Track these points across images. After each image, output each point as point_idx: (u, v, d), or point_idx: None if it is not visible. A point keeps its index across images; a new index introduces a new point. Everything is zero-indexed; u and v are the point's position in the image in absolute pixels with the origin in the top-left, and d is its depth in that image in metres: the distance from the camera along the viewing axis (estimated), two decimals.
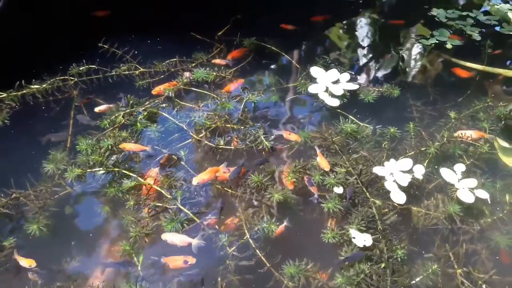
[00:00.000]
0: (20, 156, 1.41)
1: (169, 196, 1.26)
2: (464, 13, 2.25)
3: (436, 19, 2.20)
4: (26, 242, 1.20)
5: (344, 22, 2.20)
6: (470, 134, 1.54)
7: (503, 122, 1.63)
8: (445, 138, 1.52)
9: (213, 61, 1.76)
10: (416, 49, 2.03)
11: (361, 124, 1.57)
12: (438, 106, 1.72)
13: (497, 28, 2.17)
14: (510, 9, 2.32)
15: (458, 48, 2.03)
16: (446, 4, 2.35)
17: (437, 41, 2.05)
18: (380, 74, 1.89)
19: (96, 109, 1.50)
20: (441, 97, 1.76)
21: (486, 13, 2.29)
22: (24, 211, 1.25)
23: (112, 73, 1.66)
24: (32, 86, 1.56)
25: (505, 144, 1.57)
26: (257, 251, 1.19)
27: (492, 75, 1.90)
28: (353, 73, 1.79)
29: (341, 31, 2.14)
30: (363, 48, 2.05)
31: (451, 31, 2.10)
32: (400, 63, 1.95)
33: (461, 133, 1.53)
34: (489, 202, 1.35)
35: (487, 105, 1.70)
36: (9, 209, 1.23)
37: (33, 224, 1.20)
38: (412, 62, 1.97)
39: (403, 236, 1.28)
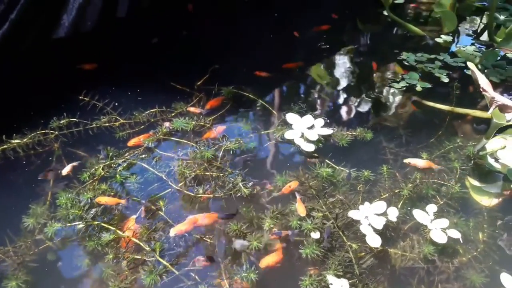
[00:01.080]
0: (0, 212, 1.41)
1: (147, 248, 1.28)
2: (432, 56, 2.36)
3: (406, 63, 2.30)
4: None
5: (317, 68, 2.29)
6: (417, 162, 1.63)
7: (472, 162, 1.69)
8: (417, 180, 1.58)
9: (188, 109, 1.81)
10: (387, 92, 2.12)
11: (337, 167, 1.62)
12: (410, 147, 1.78)
13: (465, 70, 2.28)
14: (475, 51, 2.45)
15: (428, 90, 2.12)
16: (417, 45, 2.48)
17: (407, 84, 2.14)
18: (353, 118, 1.95)
19: (64, 172, 1.50)
20: (414, 138, 1.82)
21: (453, 55, 2.41)
22: (3, 267, 1.25)
23: (93, 125, 1.70)
24: (13, 141, 1.59)
25: (476, 183, 1.63)
26: None
27: (461, 115, 1.98)
28: (327, 118, 1.85)
29: (315, 77, 2.22)
30: (336, 93, 2.13)
31: (420, 74, 2.20)
32: (373, 107, 2.03)
33: (409, 161, 1.64)
34: (461, 241, 1.38)
35: (457, 145, 1.77)
36: None
37: (12, 281, 1.20)
38: (384, 106, 2.04)
39: (380, 279, 1.30)
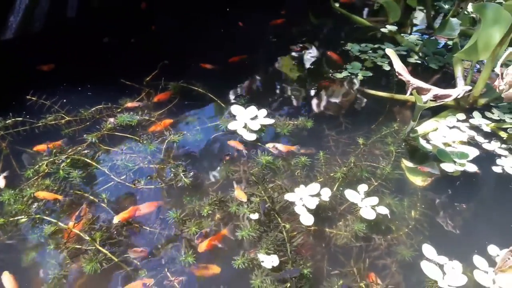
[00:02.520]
0: None
1: (87, 238, 1.33)
2: (376, 46, 2.46)
3: (350, 53, 2.40)
4: None
5: (264, 61, 2.37)
6: (278, 147, 1.73)
7: (404, 144, 1.79)
8: (352, 163, 1.67)
9: (126, 105, 1.87)
10: (330, 82, 2.20)
11: (279, 155, 1.70)
12: (351, 134, 1.86)
13: (407, 58, 2.39)
14: (418, 39, 2.56)
15: (371, 78, 2.22)
16: (364, 36, 2.58)
17: (349, 74, 2.23)
18: (296, 108, 2.04)
19: None
20: (354, 125, 1.91)
21: (398, 44, 2.52)
22: None
23: (39, 124, 1.74)
24: None
25: (409, 164, 1.73)
26: (175, 283, 1.26)
27: (400, 101, 2.08)
28: (270, 109, 1.93)
29: (261, 70, 2.30)
30: (281, 84, 2.21)
31: (362, 64, 2.30)
32: (315, 97, 2.11)
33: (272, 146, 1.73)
34: (389, 216, 1.48)
35: (394, 129, 1.86)
36: None
37: None
38: (326, 95, 2.13)
39: (315, 256, 1.38)
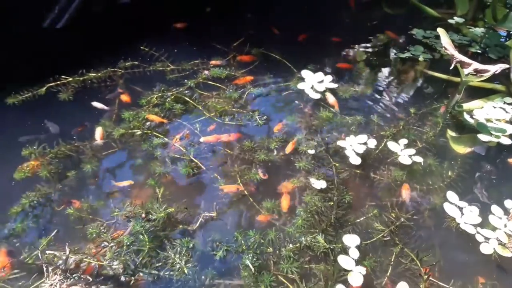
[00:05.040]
0: (78, 121, 1.93)
1: (184, 151, 1.77)
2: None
3: (414, 37, 2.66)
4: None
5: (337, 38, 2.68)
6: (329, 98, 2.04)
7: (448, 115, 2.05)
8: (401, 126, 1.97)
9: (211, 62, 2.28)
10: (394, 60, 2.49)
11: (338, 114, 2.03)
12: (407, 106, 2.15)
13: (468, 48, 2.60)
14: (483, 32, 2.75)
15: (431, 62, 2.47)
16: (431, 25, 2.81)
17: (411, 55, 2.50)
18: (359, 78, 2.35)
19: (94, 103, 1.98)
20: (411, 99, 2.20)
21: (463, 35, 2.73)
22: (83, 157, 1.76)
23: (150, 68, 2.20)
24: (90, 74, 2.12)
25: (453, 134, 2.00)
26: (245, 192, 1.66)
27: (456, 83, 2.32)
28: (335, 77, 2.25)
29: (334, 45, 2.62)
30: (350, 57, 2.52)
31: (424, 49, 2.55)
32: (378, 71, 2.41)
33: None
34: (422, 164, 1.77)
35: (444, 105, 2.13)
36: (72, 152, 1.76)
37: (88, 165, 1.72)
38: (389, 72, 2.41)
39: (358, 191, 1.71)
